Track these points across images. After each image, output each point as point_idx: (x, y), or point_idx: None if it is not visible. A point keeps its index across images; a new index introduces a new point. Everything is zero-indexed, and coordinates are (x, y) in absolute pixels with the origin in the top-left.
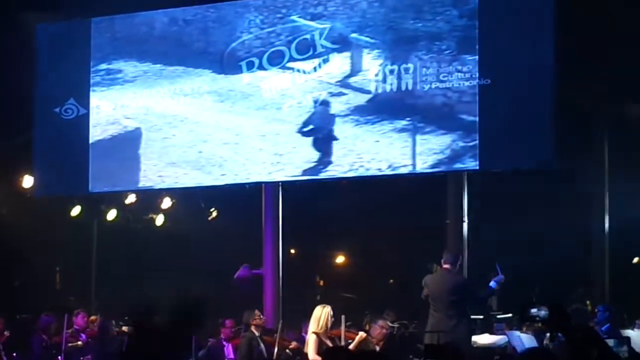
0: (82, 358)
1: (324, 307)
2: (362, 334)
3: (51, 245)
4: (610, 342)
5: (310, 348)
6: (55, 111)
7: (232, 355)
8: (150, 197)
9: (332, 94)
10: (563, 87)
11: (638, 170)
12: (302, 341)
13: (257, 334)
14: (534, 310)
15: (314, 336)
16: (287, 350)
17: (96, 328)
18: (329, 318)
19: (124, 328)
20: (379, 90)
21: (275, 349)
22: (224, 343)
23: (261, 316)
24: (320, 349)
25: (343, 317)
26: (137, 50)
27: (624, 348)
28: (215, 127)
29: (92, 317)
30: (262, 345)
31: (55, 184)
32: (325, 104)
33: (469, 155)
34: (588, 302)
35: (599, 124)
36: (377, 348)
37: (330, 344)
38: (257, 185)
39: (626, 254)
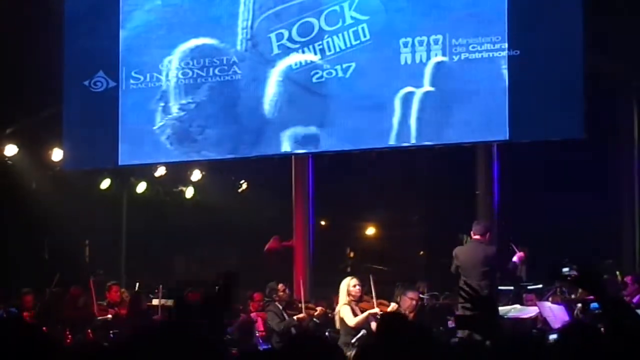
0: (111, 331)
1: (351, 278)
2: (394, 305)
3: (80, 219)
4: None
5: (348, 317)
6: (84, 84)
7: (262, 328)
8: (180, 170)
9: (363, 65)
10: (592, 58)
11: None
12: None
13: (280, 307)
14: (565, 270)
15: (347, 307)
16: (315, 319)
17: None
18: (351, 288)
19: (154, 301)
20: (409, 62)
21: (302, 314)
22: (254, 317)
23: (285, 290)
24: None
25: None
26: (167, 23)
27: None
28: (245, 98)
29: (123, 290)
30: (286, 318)
31: (84, 157)
32: (355, 74)
33: (499, 126)
34: (618, 272)
35: (628, 94)
36: None
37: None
38: (287, 157)
39: None
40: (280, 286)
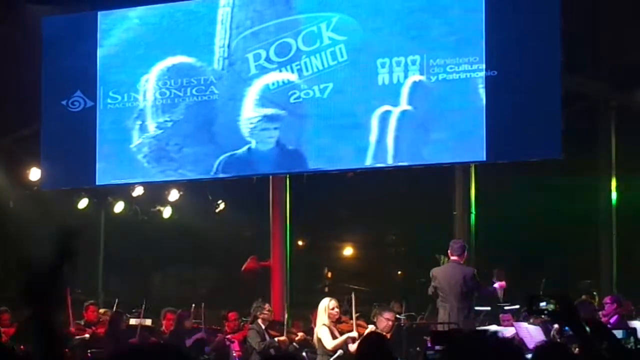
0: (89, 351)
1: (325, 299)
2: (371, 328)
3: None
4: (618, 333)
5: (326, 339)
6: (62, 104)
7: (238, 348)
8: (157, 190)
9: (340, 85)
10: (569, 76)
11: None
12: (309, 333)
13: (263, 326)
14: (543, 304)
15: (325, 328)
16: (294, 343)
17: (107, 321)
18: (329, 310)
19: (133, 321)
20: (386, 82)
21: (283, 337)
22: (230, 339)
23: (270, 310)
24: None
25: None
26: (144, 42)
27: (631, 339)
28: (222, 117)
29: (102, 310)
30: (267, 338)
31: (62, 176)
32: (333, 94)
33: (477, 146)
34: (595, 293)
35: (605, 112)
36: None
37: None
38: (265, 177)
39: (634, 245)
40: (266, 306)
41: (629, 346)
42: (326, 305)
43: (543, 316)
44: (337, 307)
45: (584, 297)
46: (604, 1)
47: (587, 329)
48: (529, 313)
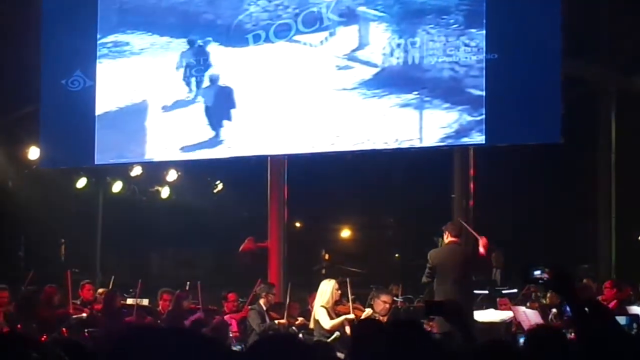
0: (86, 330)
1: (330, 281)
2: (368, 311)
3: (56, 217)
4: (621, 319)
5: (323, 320)
6: (62, 83)
7: (235, 329)
8: (156, 170)
9: (339, 68)
10: (569, 60)
11: None
12: (306, 315)
13: (264, 308)
14: (537, 273)
15: (324, 309)
16: (293, 327)
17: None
18: (335, 292)
19: (130, 300)
20: (386, 64)
21: (284, 320)
22: (228, 318)
23: (274, 293)
24: None
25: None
26: (145, 22)
27: (634, 326)
28: (221, 99)
29: (100, 290)
30: (267, 319)
31: (61, 155)
32: (332, 76)
33: (476, 129)
34: (593, 277)
35: (605, 96)
36: None
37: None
38: (263, 158)
39: (632, 230)
40: (273, 289)
41: (633, 333)
42: (333, 286)
43: (539, 284)
44: (338, 288)
45: (585, 281)
46: None
47: (586, 309)
48: (524, 281)
